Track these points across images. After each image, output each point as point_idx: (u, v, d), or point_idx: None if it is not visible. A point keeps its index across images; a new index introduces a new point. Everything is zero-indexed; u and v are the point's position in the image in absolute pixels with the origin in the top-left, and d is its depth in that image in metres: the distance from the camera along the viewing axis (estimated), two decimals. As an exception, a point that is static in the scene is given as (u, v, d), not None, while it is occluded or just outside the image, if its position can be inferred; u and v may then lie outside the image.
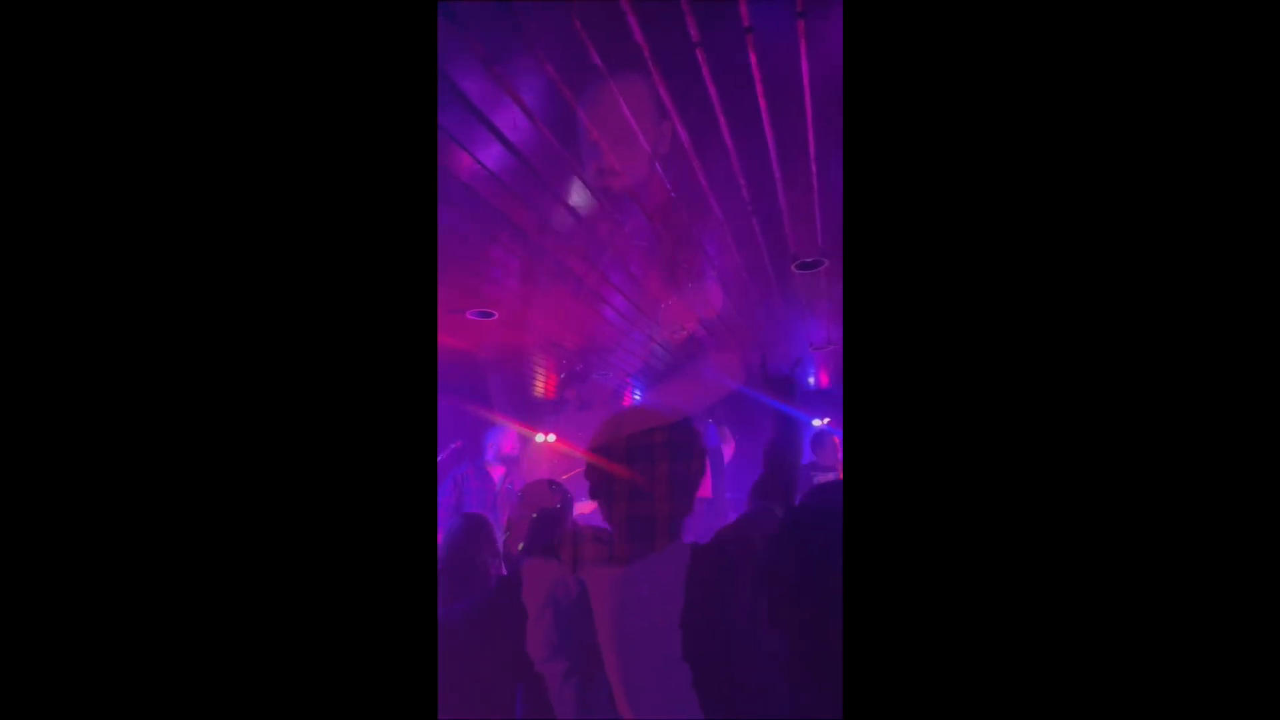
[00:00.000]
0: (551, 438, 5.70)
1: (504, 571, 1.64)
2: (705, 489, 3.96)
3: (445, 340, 3.43)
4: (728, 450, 4.83)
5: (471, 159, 1.77)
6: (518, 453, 4.28)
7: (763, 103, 1.58)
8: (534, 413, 5.49)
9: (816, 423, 5.43)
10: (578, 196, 2.01)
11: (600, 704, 1.04)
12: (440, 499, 3.82)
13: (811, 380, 5.21)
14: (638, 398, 5.65)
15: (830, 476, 4.38)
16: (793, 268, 2.59)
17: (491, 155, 1.77)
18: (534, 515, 1.54)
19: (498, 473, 4.09)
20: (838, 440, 4.50)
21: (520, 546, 1.52)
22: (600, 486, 1.14)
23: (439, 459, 3.95)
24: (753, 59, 1.43)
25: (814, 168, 1.87)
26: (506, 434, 4.23)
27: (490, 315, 3.08)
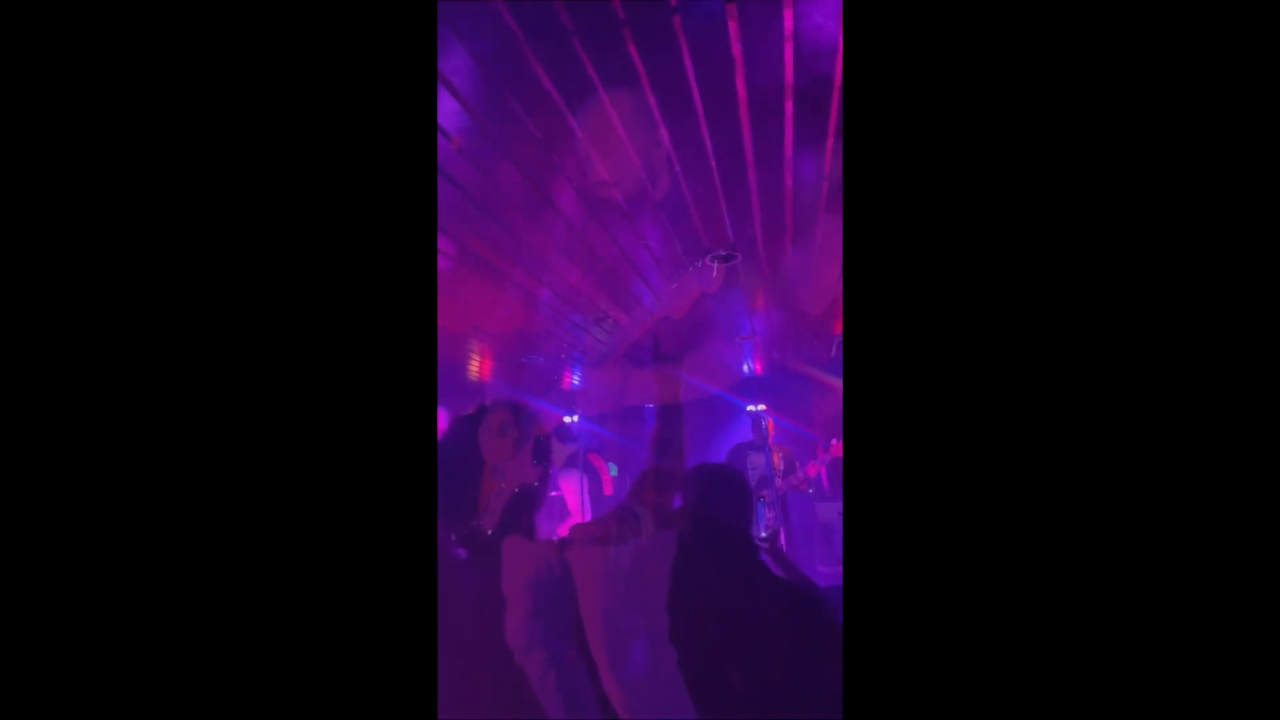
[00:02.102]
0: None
1: (462, 553, 1.55)
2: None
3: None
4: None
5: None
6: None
7: (652, 99, 1.56)
8: (468, 395, 5.43)
9: (751, 409, 5.52)
10: (484, 192, 1.96)
11: (582, 692, 1.04)
12: None
13: (748, 368, 5.27)
14: (576, 381, 5.63)
15: (762, 455, 4.50)
16: (708, 260, 2.59)
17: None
18: (515, 491, 1.46)
19: None
20: (770, 422, 4.62)
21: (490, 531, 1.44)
22: None
23: None
24: (634, 54, 1.40)
25: (713, 163, 1.86)
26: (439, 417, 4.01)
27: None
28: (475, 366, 4.88)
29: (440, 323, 3.54)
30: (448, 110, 1.58)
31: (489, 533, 1.14)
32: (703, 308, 3.39)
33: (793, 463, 4.43)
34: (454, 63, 1.42)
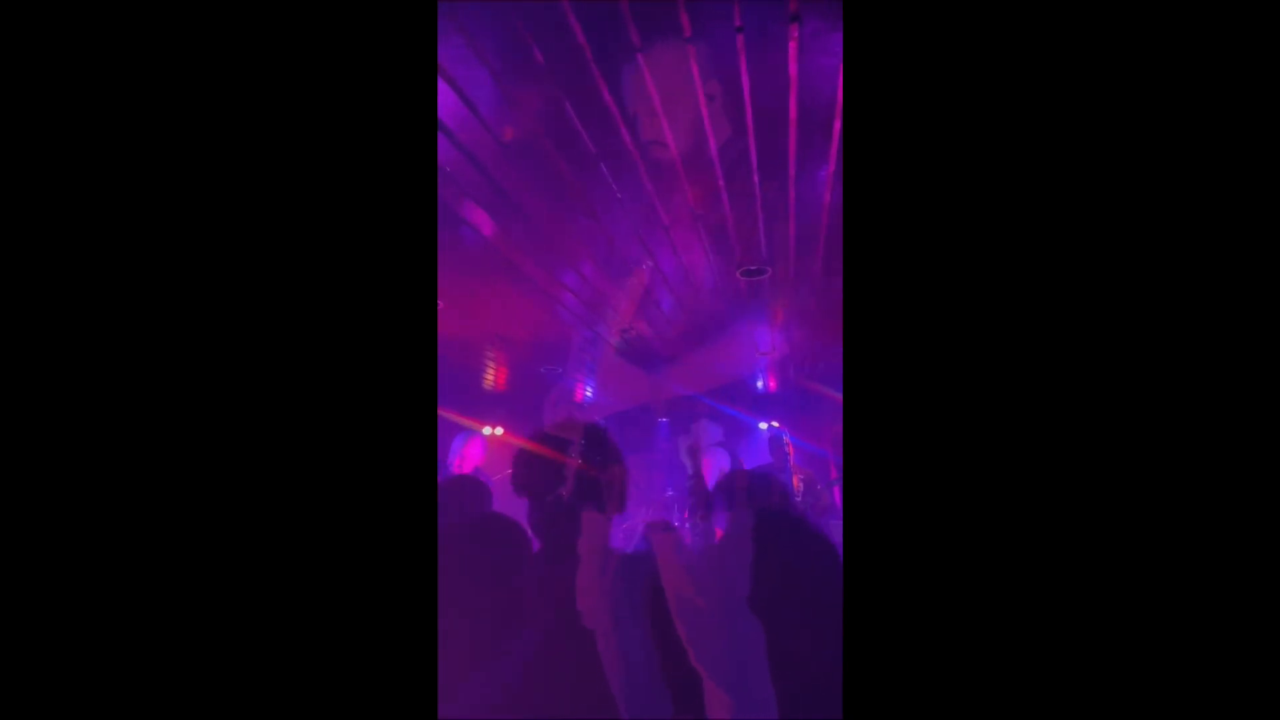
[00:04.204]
0: (499, 430, 5.65)
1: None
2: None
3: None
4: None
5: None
6: (483, 463, 3.61)
7: (704, 111, 1.60)
8: (481, 406, 5.44)
9: (763, 426, 5.53)
10: (527, 195, 2.00)
11: (651, 665, 1.06)
12: None
13: (760, 384, 5.29)
14: (589, 394, 5.65)
15: (783, 478, 4.45)
16: (737, 274, 2.63)
17: (439, 144, 1.75)
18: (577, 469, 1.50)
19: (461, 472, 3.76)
20: (789, 443, 4.58)
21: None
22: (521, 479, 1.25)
23: None
24: (694, 70, 1.45)
25: (756, 178, 1.91)
26: (473, 441, 3.56)
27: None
28: (491, 376, 4.90)
29: (460, 329, 3.58)
30: (466, 121, 1.63)
31: (567, 501, 1.20)
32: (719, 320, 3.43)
33: (813, 484, 4.36)
34: (473, 72, 1.47)
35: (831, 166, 1.85)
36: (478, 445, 3.56)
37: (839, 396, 5.18)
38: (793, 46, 1.38)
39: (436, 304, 3.05)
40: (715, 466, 3.63)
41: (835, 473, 4.40)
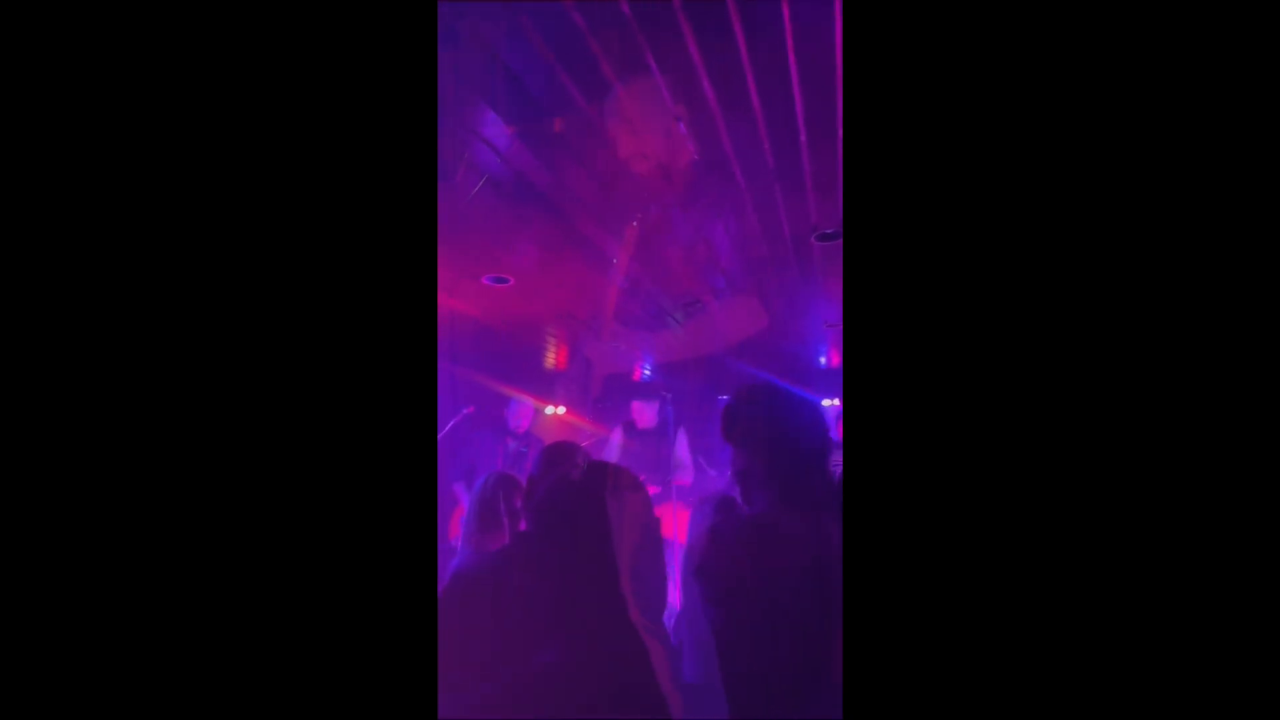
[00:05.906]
0: (561, 410, 5.73)
1: (523, 526, 1.66)
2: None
3: (458, 306, 3.43)
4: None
5: (497, 120, 1.76)
6: (530, 427, 4.20)
7: (793, 59, 1.56)
8: (545, 384, 5.52)
9: (826, 403, 5.43)
10: (601, 162, 1.99)
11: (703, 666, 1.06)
12: (450, 462, 3.94)
13: (824, 360, 5.19)
14: (648, 373, 5.66)
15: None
16: (813, 239, 2.57)
17: (515, 117, 1.75)
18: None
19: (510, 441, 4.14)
20: None
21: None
22: None
23: (451, 424, 3.98)
24: (786, 17, 1.41)
25: (840, 132, 1.85)
26: (523, 407, 4.16)
27: (506, 281, 3.07)
28: (552, 356, 4.96)
29: (525, 308, 3.62)
30: (570, 62, 1.63)
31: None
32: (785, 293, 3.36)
33: None
34: (556, 36, 1.46)
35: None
36: (528, 408, 4.22)
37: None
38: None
39: (436, 298, 3.11)
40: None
41: None
